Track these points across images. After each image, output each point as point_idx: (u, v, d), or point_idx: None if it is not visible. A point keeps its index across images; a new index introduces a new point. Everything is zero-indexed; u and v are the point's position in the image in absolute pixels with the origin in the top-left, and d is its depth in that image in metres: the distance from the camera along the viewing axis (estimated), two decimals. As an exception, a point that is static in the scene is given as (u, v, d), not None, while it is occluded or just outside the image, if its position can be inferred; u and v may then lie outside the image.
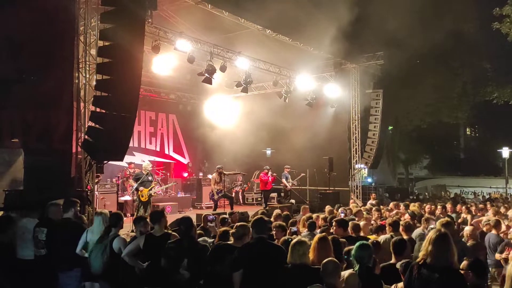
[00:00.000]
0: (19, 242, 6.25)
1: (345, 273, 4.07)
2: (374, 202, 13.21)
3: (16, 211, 7.23)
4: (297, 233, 6.67)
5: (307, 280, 3.99)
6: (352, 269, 4.17)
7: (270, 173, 14.64)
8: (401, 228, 6.47)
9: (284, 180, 15.43)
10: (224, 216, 7.52)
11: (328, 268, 3.93)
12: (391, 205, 11.31)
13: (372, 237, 6.34)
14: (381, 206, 11.41)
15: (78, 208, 6.43)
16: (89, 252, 5.56)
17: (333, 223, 6.50)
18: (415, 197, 21.92)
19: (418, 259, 3.71)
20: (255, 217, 5.06)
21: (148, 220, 5.86)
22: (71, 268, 5.74)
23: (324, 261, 4.03)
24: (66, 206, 6.25)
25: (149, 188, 11.33)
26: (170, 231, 5.67)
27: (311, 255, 4.58)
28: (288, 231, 7.02)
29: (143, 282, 5.10)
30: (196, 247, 4.92)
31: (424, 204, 11.96)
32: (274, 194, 15.81)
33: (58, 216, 6.28)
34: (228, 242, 4.96)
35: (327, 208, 9.65)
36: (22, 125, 8.57)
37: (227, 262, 4.51)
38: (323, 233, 5.49)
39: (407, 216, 8.51)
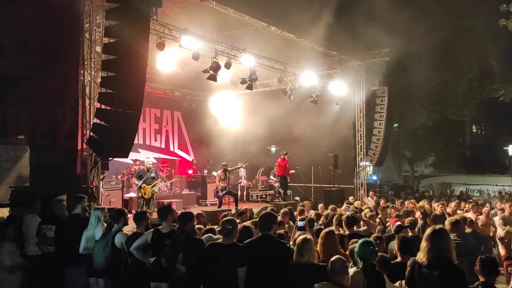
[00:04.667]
0: (27, 238, 6.30)
1: (350, 271, 4.07)
2: (373, 199, 13.18)
3: (22, 207, 7.29)
4: (304, 228, 6.63)
5: (314, 278, 3.99)
6: (356, 267, 4.17)
7: (285, 156, 14.67)
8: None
9: (272, 177, 15.40)
10: (226, 214, 7.48)
11: (336, 267, 3.92)
12: (398, 203, 11.31)
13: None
14: (388, 203, 11.38)
15: (86, 204, 6.47)
16: (92, 248, 5.60)
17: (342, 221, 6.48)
18: (419, 195, 21.84)
19: (418, 258, 3.70)
20: (262, 213, 5.04)
21: (148, 215, 5.90)
22: (80, 264, 5.79)
23: (332, 259, 4.02)
24: (73, 202, 6.28)
25: (152, 185, 11.37)
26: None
27: (318, 251, 4.59)
28: (295, 225, 7.04)
29: (149, 277, 5.13)
30: (191, 242, 4.91)
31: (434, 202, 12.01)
32: (271, 191, 15.94)
33: (63, 213, 6.32)
34: (218, 241, 4.86)
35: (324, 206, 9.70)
36: (27, 121, 8.60)
37: (224, 262, 4.47)
38: (329, 228, 5.49)
39: (418, 214, 8.49)
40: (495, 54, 25.91)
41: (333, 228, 5.62)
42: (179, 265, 4.75)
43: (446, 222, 5.62)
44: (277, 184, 15.36)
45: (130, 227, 6.28)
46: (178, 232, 5.09)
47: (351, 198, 13.30)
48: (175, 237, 4.99)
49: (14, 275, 5.43)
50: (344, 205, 10.21)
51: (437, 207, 10.01)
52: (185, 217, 5.21)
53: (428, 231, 3.74)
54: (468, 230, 6.89)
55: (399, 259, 4.89)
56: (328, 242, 4.91)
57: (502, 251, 5.92)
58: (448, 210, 9.63)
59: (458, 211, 9.84)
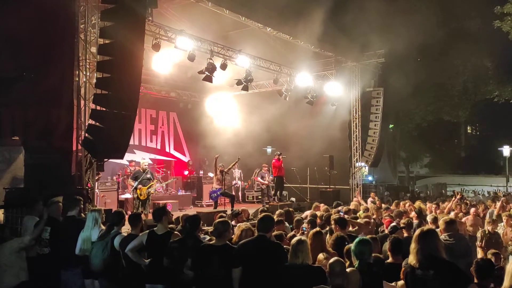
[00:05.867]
0: None
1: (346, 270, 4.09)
2: (374, 200, 13.18)
3: (18, 208, 7.26)
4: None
5: (308, 279, 4.00)
6: (353, 266, 4.19)
7: (280, 157, 14.70)
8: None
9: (259, 179, 15.38)
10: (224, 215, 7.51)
11: (335, 269, 3.93)
12: (393, 204, 11.31)
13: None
14: (383, 205, 11.40)
15: (82, 206, 6.46)
16: (90, 249, 5.58)
17: (332, 222, 6.49)
18: (410, 195, 21.87)
19: (409, 261, 3.70)
20: (262, 215, 5.05)
21: (142, 217, 5.89)
22: (76, 266, 5.78)
23: (330, 261, 4.04)
24: (70, 204, 6.27)
25: (148, 186, 11.35)
26: (174, 229, 5.68)
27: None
28: (300, 230, 7.07)
29: (145, 279, 5.12)
30: (198, 246, 4.90)
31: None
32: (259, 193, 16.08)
33: (59, 214, 6.30)
34: (211, 243, 4.84)
35: (322, 206, 9.67)
36: (22, 123, 8.58)
37: (216, 263, 4.46)
38: (318, 229, 5.53)
39: (413, 214, 8.53)
40: (489, 56, 26.06)
41: (319, 229, 5.63)
42: (187, 270, 4.73)
43: (440, 222, 5.63)
44: (264, 186, 15.31)
45: (125, 228, 6.27)
46: (185, 235, 5.06)
47: (355, 200, 13.25)
48: (183, 240, 4.95)
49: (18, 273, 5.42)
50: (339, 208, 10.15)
51: (430, 208, 10.04)
52: (194, 221, 5.17)
53: (417, 232, 3.75)
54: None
55: (390, 259, 4.91)
56: (316, 242, 4.93)
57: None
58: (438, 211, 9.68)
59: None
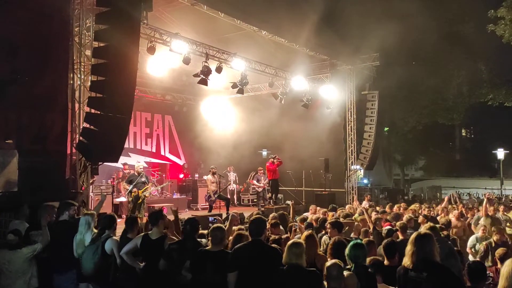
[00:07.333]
0: None
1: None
2: (369, 203, 13.19)
3: (11, 213, 7.21)
4: None
5: (302, 282, 3.99)
6: (348, 270, 4.18)
7: (275, 160, 14.70)
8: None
9: (255, 182, 15.38)
10: (214, 219, 7.48)
11: (332, 273, 3.93)
12: (387, 207, 11.32)
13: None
14: (378, 208, 11.40)
15: (74, 212, 6.42)
16: (81, 253, 5.55)
17: (328, 225, 6.49)
18: (410, 198, 21.93)
19: (404, 263, 3.71)
20: (253, 218, 5.02)
21: (138, 220, 5.88)
22: (69, 270, 5.74)
23: (327, 264, 4.04)
24: (61, 208, 6.23)
25: (142, 189, 11.30)
26: (168, 233, 5.66)
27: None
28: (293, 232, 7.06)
29: (139, 283, 5.09)
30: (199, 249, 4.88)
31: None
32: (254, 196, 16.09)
33: (51, 218, 6.26)
34: (206, 248, 4.81)
35: (320, 209, 9.66)
36: (16, 126, 8.52)
37: (211, 269, 4.44)
38: (310, 231, 5.54)
39: (405, 217, 8.52)
40: (483, 59, 26.24)
41: (311, 232, 5.63)
42: (185, 272, 4.71)
43: (422, 229, 5.64)
44: (260, 189, 15.29)
45: (118, 232, 6.24)
46: (185, 238, 5.04)
47: (353, 203, 13.23)
48: (183, 243, 4.94)
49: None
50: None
51: (423, 211, 10.06)
52: (195, 224, 5.15)
53: (413, 235, 3.79)
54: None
55: (386, 262, 4.93)
56: (309, 245, 4.93)
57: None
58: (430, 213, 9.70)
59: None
